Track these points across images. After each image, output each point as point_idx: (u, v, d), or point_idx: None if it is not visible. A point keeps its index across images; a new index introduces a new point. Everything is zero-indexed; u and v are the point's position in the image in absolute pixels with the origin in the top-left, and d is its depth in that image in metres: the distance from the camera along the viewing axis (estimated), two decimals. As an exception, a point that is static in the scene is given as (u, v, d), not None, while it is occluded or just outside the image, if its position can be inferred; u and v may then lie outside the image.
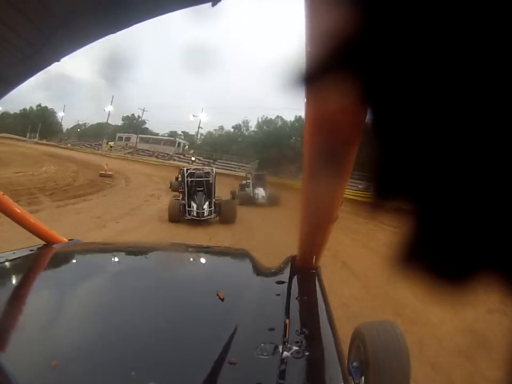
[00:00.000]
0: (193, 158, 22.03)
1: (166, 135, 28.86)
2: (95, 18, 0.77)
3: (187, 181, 5.93)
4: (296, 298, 0.78)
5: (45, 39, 0.78)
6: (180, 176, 7.36)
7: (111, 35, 0.84)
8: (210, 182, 6.03)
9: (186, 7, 0.80)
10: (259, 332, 0.62)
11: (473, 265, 0.15)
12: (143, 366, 0.52)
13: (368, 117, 0.15)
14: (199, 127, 28.63)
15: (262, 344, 0.57)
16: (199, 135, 29.42)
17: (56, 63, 0.89)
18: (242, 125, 26.51)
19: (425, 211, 0.15)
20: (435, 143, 0.14)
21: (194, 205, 5.62)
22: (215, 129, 29.12)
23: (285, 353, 0.56)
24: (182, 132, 29.89)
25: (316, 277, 0.93)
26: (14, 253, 1.02)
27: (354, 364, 1.08)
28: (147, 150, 25.65)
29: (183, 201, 5.72)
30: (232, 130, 27.33)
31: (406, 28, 0.13)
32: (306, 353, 0.56)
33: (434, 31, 0.13)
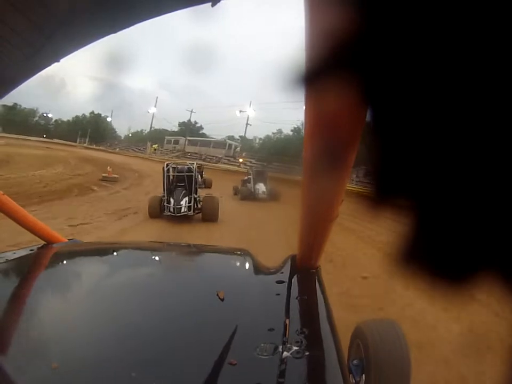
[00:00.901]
0: (240, 160, 21.16)
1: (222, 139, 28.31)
2: (95, 18, 0.77)
3: (167, 176, 5.76)
4: (296, 298, 0.78)
5: (45, 39, 0.78)
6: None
7: (112, 35, 0.85)
8: (192, 177, 5.76)
9: (186, 7, 0.80)
10: (259, 331, 0.62)
11: (473, 265, 0.15)
12: (143, 367, 0.52)
13: (368, 117, 0.15)
14: (247, 123, 28.41)
15: (262, 344, 0.57)
16: (257, 140, 29.40)
17: (56, 63, 0.89)
18: (301, 127, 26.22)
19: (425, 211, 0.15)
20: (435, 142, 0.14)
21: (172, 201, 5.37)
22: (273, 133, 29.21)
23: (285, 353, 0.56)
24: (240, 136, 29.72)
25: (316, 277, 0.93)
26: (14, 253, 1.02)
27: (355, 361, 1.08)
28: (195, 153, 24.72)
29: (164, 197, 5.51)
30: (291, 133, 26.93)
31: (405, 27, 0.13)
32: (306, 353, 0.56)
33: (433, 31, 0.13)
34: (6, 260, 0.94)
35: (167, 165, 6.00)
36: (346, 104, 0.20)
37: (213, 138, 28.34)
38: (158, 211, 5.36)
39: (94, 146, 30.19)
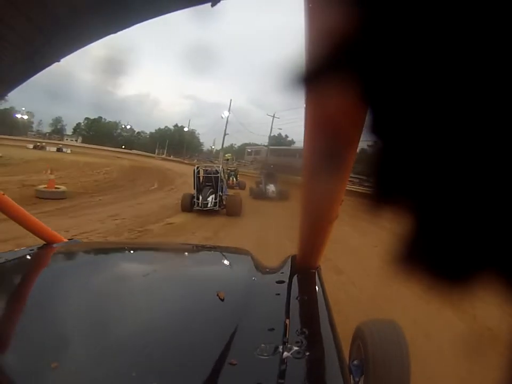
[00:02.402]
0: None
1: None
2: (95, 18, 0.77)
3: (198, 177, 6.90)
4: (297, 298, 0.78)
5: (45, 39, 0.78)
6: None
7: (112, 35, 0.84)
8: (218, 178, 6.89)
9: (186, 8, 0.80)
10: (259, 332, 0.62)
11: (473, 266, 0.15)
12: (143, 367, 0.52)
13: (368, 117, 0.15)
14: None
15: (263, 345, 0.57)
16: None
17: (57, 63, 0.89)
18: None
19: (425, 211, 0.15)
20: (434, 143, 0.14)
21: (200, 197, 6.50)
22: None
23: (285, 353, 0.55)
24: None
25: (316, 277, 0.93)
26: (14, 253, 1.02)
27: (355, 362, 1.08)
28: (278, 165, 21.81)
29: (192, 195, 6.69)
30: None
31: (405, 28, 0.13)
32: (307, 354, 0.56)
33: (433, 31, 0.13)
34: (6, 260, 0.94)
35: (197, 167, 7.21)
36: (346, 104, 0.20)
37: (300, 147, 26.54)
38: (188, 206, 6.43)
39: (171, 157, 31.28)
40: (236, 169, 12.74)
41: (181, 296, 0.83)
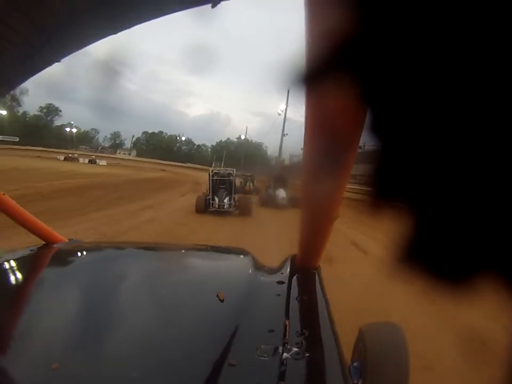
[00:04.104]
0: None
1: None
2: (95, 18, 0.77)
3: (212, 179, 7.18)
4: (296, 299, 0.78)
5: (45, 39, 0.78)
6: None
7: (112, 35, 0.85)
8: (232, 180, 7.25)
9: (186, 9, 0.80)
10: (259, 333, 0.62)
11: (473, 266, 0.14)
12: (143, 368, 0.52)
13: (368, 118, 0.15)
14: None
15: (262, 345, 0.57)
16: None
17: (57, 63, 0.89)
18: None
19: (425, 212, 0.15)
20: (434, 143, 0.14)
21: (217, 199, 6.85)
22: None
23: (285, 354, 0.55)
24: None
25: (316, 277, 0.93)
26: (14, 253, 1.02)
27: (355, 364, 1.08)
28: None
29: (208, 197, 6.94)
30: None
31: (405, 28, 0.13)
32: (307, 355, 0.56)
33: (433, 31, 0.13)
34: (6, 259, 0.94)
35: (212, 171, 7.54)
36: (346, 104, 0.20)
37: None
38: (203, 208, 6.70)
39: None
40: (252, 175, 12.76)
41: (181, 296, 0.83)
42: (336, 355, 0.60)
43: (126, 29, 0.84)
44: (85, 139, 43.93)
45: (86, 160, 28.42)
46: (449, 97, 0.13)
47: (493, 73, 0.12)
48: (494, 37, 0.12)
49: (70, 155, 29.13)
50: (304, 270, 0.94)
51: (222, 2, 0.74)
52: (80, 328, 0.64)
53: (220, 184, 7.17)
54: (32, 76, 0.93)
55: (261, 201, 8.51)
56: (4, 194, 1.14)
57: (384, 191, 0.16)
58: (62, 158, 27.60)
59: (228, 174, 7.44)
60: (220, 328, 0.64)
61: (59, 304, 0.74)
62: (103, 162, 29.32)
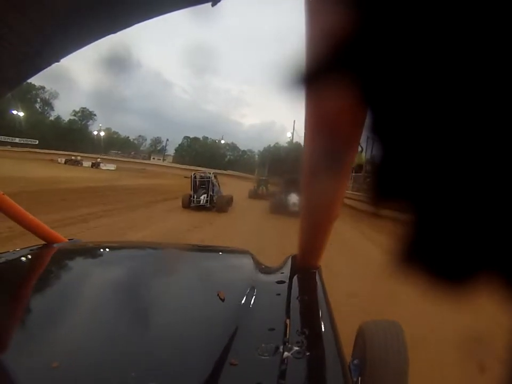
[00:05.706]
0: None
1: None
2: (95, 18, 0.77)
3: (194, 181, 8.66)
4: (297, 298, 0.78)
5: (45, 39, 0.78)
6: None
7: (112, 35, 0.84)
8: (210, 182, 8.71)
9: (185, 7, 0.80)
10: (260, 332, 0.62)
11: (473, 267, 0.15)
12: (143, 367, 0.52)
13: (368, 118, 0.15)
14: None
15: (263, 345, 0.57)
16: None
17: (56, 63, 0.89)
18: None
19: (424, 212, 0.15)
20: (434, 144, 0.14)
21: (195, 196, 8.29)
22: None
23: (286, 353, 0.55)
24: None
25: (317, 277, 0.93)
26: (14, 253, 1.02)
27: (355, 361, 1.08)
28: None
29: (190, 195, 8.47)
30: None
31: (405, 29, 0.13)
32: (307, 354, 0.56)
33: (433, 31, 0.13)
34: (6, 259, 0.94)
35: (194, 174, 8.99)
36: (346, 105, 0.20)
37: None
38: (187, 203, 8.16)
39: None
40: (267, 179, 13.02)
41: (181, 295, 0.83)
42: (337, 354, 0.60)
43: (125, 28, 0.84)
44: (130, 146, 44.39)
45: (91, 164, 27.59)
46: (450, 97, 0.13)
47: (494, 74, 0.12)
48: (495, 37, 0.12)
49: (72, 158, 28.31)
50: (305, 269, 0.94)
51: (222, 2, 0.74)
52: (80, 327, 0.64)
53: (201, 185, 8.63)
54: (32, 75, 0.93)
55: (271, 208, 7.91)
56: (3, 194, 1.14)
57: (384, 191, 0.16)
58: (63, 161, 26.83)
59: (207, 177, 9.02)
60: (221, 327, 0.64)
61: (59, 304, 0.74)
62: (111, 167, 28.15)
